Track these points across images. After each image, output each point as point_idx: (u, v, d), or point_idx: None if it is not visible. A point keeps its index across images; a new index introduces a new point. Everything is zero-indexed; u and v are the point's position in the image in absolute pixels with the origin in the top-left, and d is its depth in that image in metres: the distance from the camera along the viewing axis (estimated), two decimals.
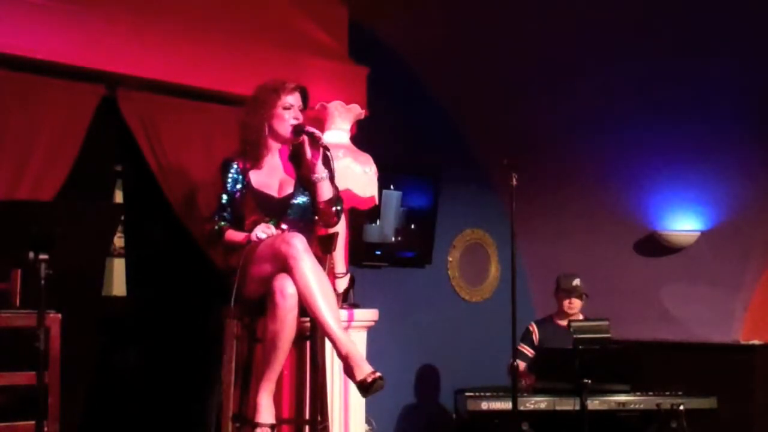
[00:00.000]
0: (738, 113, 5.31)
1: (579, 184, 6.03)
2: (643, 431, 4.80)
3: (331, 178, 3.62)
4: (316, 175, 3.54)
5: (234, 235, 3.50)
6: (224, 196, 3.57)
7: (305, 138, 3.56)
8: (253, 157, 3.59)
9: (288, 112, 3.58)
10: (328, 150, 3.57)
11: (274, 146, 3.64)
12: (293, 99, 3.59)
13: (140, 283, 4.32)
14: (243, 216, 3.54)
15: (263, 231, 3.39)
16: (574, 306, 5.16)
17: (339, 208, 3.61)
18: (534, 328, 5.22)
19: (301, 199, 3.58)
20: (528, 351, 5.09)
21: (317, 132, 3.57)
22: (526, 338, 5.17)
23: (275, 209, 3.53)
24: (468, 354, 5.99)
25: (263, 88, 3.62)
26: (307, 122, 3.73)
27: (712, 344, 5.85)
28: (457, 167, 6.14)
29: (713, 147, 5.49)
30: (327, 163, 3.60)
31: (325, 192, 3.56)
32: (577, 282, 5.14)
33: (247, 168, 3.58)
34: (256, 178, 3.57)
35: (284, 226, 3.49)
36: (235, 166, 3.58)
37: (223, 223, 3.54)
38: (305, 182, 3.60)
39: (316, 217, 3.64)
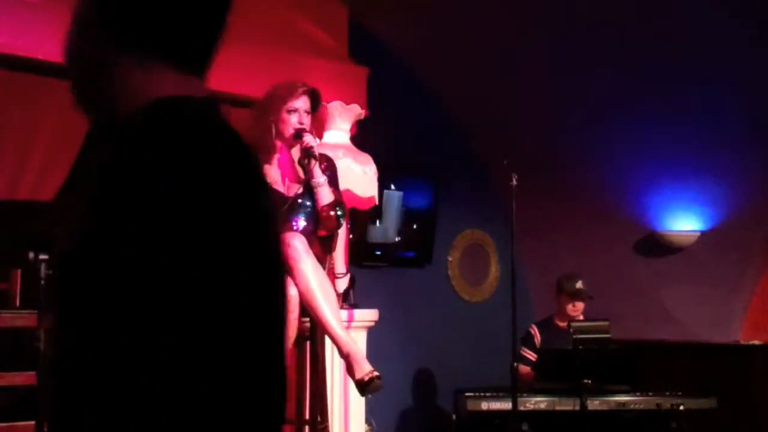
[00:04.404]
0: (738, 113, 5.31)
1: (579, 184, 6.03)
2: (643, 431, 4.80)
3: (332, 184, 3.64)
4: (313, 181, 3.56)
5: None
6: None
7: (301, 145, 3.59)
8: (263, 154, 3.62)
9: (293, 116, 3.59)
10: (320, 159, 3.58)
11: (282, 146, 3.67)
12: (300, 103, 3.61)
13: None
14: None
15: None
16: (578, 309, 5.13)
17: (340, 213, 3.61)
18: (535, 331, 5.20)
19: (307, 201, 3.60)
20: (530, 355, 5.04)
21: (309, 142, 3.57)
22: (528, 342, 5.14)
23: (283, 205, 3.55)
24: (468, 354, 5.98)
25: (273, 92, 3.64)
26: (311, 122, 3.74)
27: (712, 344, 5.85)
28: (457, 167, 6.14)
29: (713, 147, 5.49)
30: (329, 170, 3.64)
31: (324, 197, 3.58)
32: (580, 284, 5.11)
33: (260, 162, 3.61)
34: (267, 174, 3.59)
35: (297, 225, 3.53)
36: None
37: None
38: (310, 186, 3.62)
39: (319, 222, 3.66)
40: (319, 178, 3.57)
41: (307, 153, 3.56)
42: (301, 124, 3.60)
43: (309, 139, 3.56)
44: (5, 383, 3.22)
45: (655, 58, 5.13)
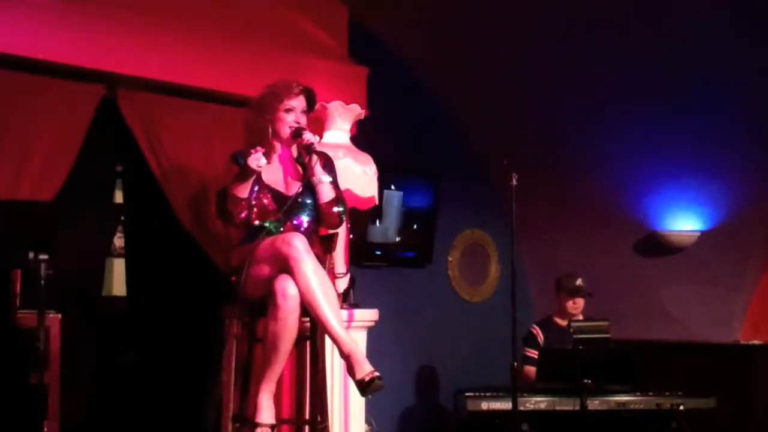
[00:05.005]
0: (738, 113, 5.31)
1: (579, 184, 6.03)
2: (643, 431, 4.80)
3: (332, 181, 3.64)
4: (314, 178, 3.56)
5: (235, 183, 3.46)
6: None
7: (302, 143, 3.58)
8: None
9: (289, 115, 3.59)
10: (319, 156, 3.58)
11: (279, 146, 3.67)
12: (296, 102, 3.61)
13: (140, 283, 4.32)
14: (252, 207, 3.53)
15: (256, 159, 3.39)
16: (578, 306, 5.17)
17: (341, 209, 3.62)
18: (537, 330, 5.21)
19: (308, 200, 3.60)
20: (535, 354, 5.04)
21: (310, 139, 3.56)
22: (531, 341, 5.15)
23: (285, 204, 3.55)
24: (468, 354, 5.98)
25: (269, 91, 3.64)
26: (309, 122, 3.73)
27: (712, 344, 5.85)
28: (457, 167, 6.14)
29: (713, 147, 5.50)
30: (327, 167, 3.64)
31: (325, 194, 3.58)
32: (580, 282, 5.15)
33: None
34: (265, 173, 3.58)
35: (296, 225, 3.54)
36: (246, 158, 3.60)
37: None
38: (310, 184, 3.61)
39: (321, 220, 3.65)
40: (321, 175, 3.57)
41: (308, 150, 3.56)
42: (298, 123, 3.60)
43: (309, 136, 3.56)
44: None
45: (655, 58, 5.13)
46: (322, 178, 3.57)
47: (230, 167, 3.58)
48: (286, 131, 3.60)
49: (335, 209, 3.60)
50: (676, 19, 4.86)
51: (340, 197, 3.65)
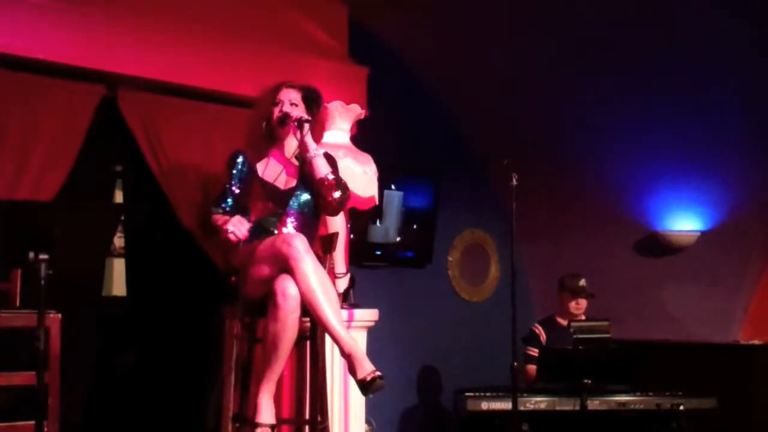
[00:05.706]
0: (738, 114, 5.31)
1: (579, 184, 6.03)
2: (643, 431, 4.80)
3: (326, 156, 3.63)
4: (309, 154, 3.56)
5: (216, 220, 3.55)
6: (227, 186, 3.62)
7: (291, 120, 3.58)
8: (258, 152, 3.64)
9: (276, 108, 3.61)
10: (311, 124, 3.58)
11: (277, 142, 3.67)
12: (286, 95, 3.62)
13: (140, 283, 4.32)
14: (248, 206, 3.55)
15: (234, 226, 3.36)
16: (581, 306, 5.17)
17: (340, 185, 3.58)
18: (540, 330, 5.20)
19: (304, 195, 3.59)
20: (537, 353, 5.05)
21: (299, 114, 3.57)
22: (533, 341, 5.15)
23: (280, 200, 3.55)
24: (468, 354, 5.99)
25: (263, 90, 3.68)
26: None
27: (712, 344, 5.85)
28: (457, 167, 6.14)
29: (713, 147, 5.49)
30: (330, 167, 3.64)
31: (321, 168, 3.56)
32: (583, 282, 5.15)
33: (254, 160, 3.63)
34: (261, 169, 3.63)
35: (291, 220, 3.54)
36: (242, 157, 3.64)
37: (214, 208, 3.59)
38: (308, 180, 3.60)
39: (319, 204, 3.62)
40: (315, 150, 3.57)
41: (299, 124, 3.54)
42: (281, 111, 3.60)
43: (296, 112, 3.57)
44: (5, 383, 3.22)
45: (655, 59, 5.13)
46: (316, 152, 3.57)
47: (228, 170, 3.61)
48: (274, 122, 3.63)
49: (333, 177, 3.57)
50: (676, 20, 4.86)
51: (339, 179, 3.62)
